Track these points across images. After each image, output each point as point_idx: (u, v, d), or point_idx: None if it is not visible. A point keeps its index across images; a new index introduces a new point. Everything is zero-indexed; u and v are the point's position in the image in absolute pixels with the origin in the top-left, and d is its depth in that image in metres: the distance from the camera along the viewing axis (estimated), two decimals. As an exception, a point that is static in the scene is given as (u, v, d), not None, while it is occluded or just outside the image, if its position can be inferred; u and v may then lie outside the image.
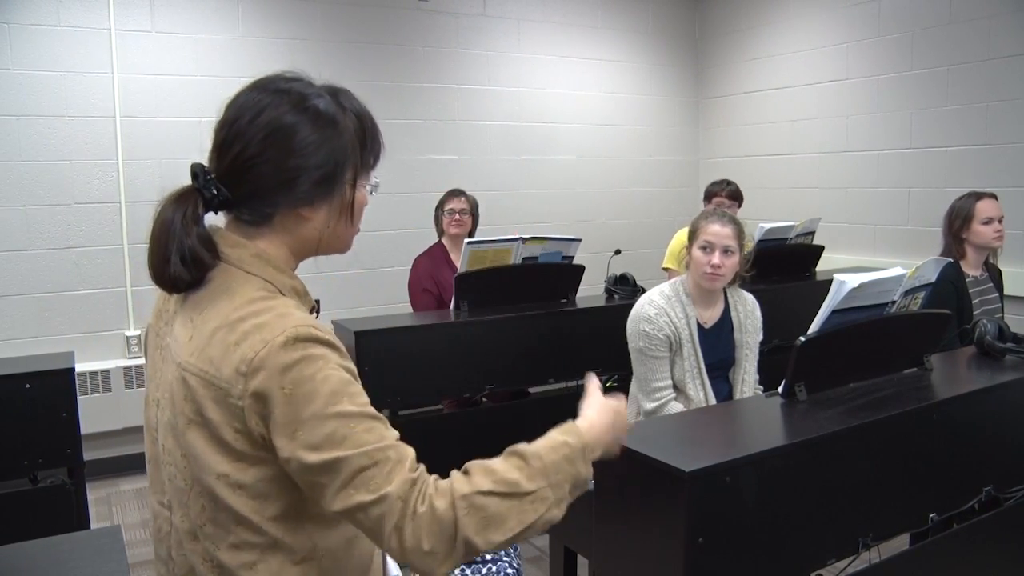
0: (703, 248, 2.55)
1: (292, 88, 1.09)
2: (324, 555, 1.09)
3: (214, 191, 1.06)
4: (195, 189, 1.07)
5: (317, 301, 1.18)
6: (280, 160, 1.06)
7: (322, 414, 0.99)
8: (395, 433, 1.04)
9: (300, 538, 1.07)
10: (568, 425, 1.15)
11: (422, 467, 1.04)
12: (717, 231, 2.53)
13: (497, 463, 1.07)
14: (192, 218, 1.05)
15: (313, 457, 0.98)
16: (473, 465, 1.07)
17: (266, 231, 1.11)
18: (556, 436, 1.12)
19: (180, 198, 1.06)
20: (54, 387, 2.54)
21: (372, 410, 1.03)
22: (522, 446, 1.09)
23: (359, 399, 1.03)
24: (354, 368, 1.06)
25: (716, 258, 2.52)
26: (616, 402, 1.23)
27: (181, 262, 1.04)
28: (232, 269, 1.08)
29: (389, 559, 1.26)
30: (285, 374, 0.98)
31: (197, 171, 1.08)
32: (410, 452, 1.04)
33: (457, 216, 3.82)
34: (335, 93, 1.13)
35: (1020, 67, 4.04)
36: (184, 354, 1.06)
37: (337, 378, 1.01)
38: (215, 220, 1.13)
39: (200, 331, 1.05)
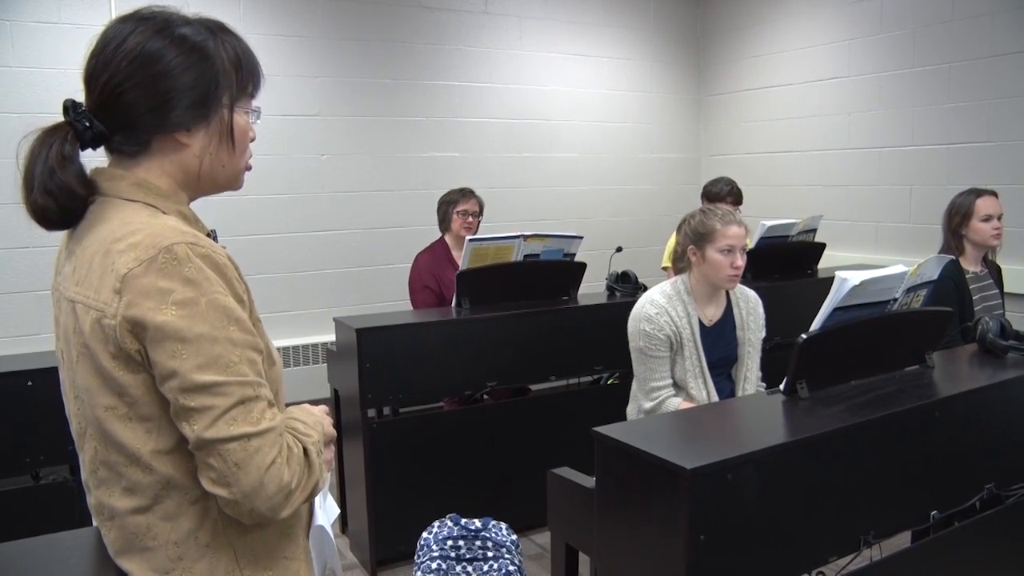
0: (725, 252, 2.52)
1: (157, 15, 1.06)
2: None
3: (86, 123, 1.04)
4: (67, 123, 1.04)
5: (213, 231, 1.13)
6: (149, 84, 1.03)
7: (210, 336, 0.96)
8: (263, 373, 1.03)
9: (195, 476, 1.01)
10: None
11: None
12: (736, 233, 2.53)
13: None
14: (63, 152, 1.02)
15: (199, 376, 0.95)
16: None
17: (145, 160, 1.07)
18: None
19: (49, 132, 1.04)
20: (56, 384, 2.51)
21: (257, 341, 1.02)
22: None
23: (246, 326, 1.01)
24: (241, 291, 1.04)
25: (740, 260, 2.52)
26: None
27: (48, 194, 1.01)
28: (111, 199, 1.05)
29: (320, 506, 1.21)
30: (165, 296, 0.95)
31: (68, 106, 1.05)
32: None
33: (471, 219, 3.83)
34: (204, 22, 1.11)
35: (1022, 64, 4.03)
36: (70, 287, 1.04)
37: (223, 303, 0.99)
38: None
39: (80, 260, 1.03)
